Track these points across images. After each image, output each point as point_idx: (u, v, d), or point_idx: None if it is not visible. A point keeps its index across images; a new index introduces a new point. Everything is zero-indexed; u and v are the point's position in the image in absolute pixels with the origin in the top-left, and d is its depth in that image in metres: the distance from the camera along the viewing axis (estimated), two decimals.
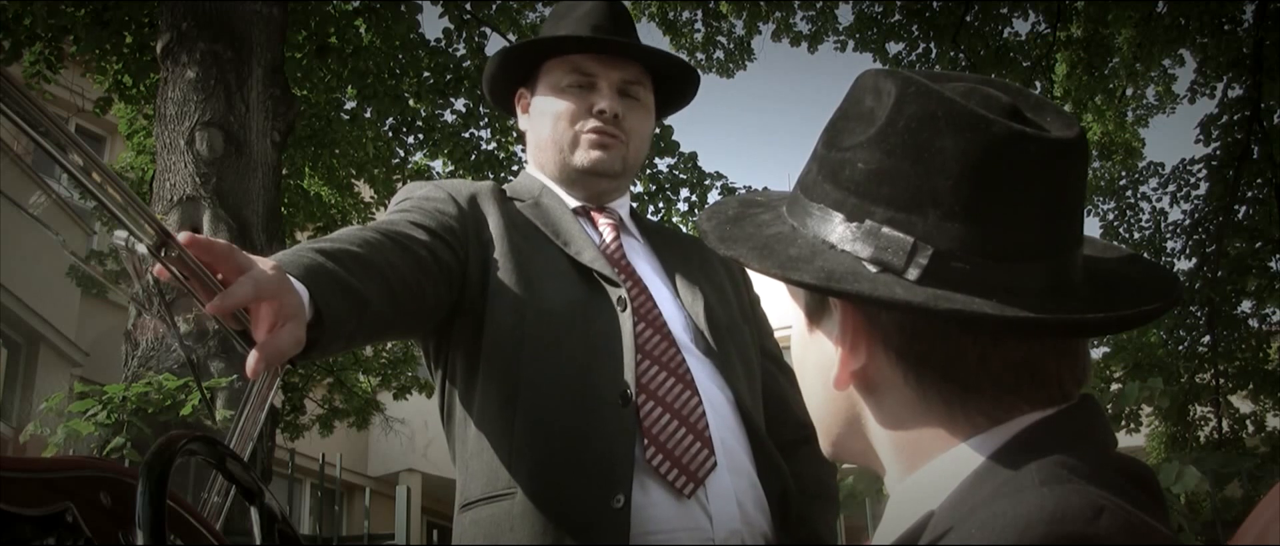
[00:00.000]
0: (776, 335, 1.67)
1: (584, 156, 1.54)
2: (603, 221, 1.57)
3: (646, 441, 1.34)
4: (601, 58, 1.55)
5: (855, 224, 0.69)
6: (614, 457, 1.31)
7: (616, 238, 1.55)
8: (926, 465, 0.69)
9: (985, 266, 0.66)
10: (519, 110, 1.65)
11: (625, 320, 1.41)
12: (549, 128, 1.56)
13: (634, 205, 1.70)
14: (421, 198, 1.49)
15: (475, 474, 1.38)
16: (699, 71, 1.65)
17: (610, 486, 1.29)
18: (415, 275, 1.31)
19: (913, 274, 0.66)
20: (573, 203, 1.57)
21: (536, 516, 1.30)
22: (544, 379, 1.37)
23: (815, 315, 0.76)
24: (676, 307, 1.51)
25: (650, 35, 11.99)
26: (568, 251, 1.48)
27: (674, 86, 1.66)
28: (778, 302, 1.22)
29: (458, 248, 1.42)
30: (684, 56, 9.07)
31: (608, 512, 1.28)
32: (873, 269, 0.68)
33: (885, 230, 0.68)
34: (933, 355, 0.68)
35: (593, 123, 1.54)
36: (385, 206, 9.78)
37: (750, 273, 1.70)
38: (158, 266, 0.97)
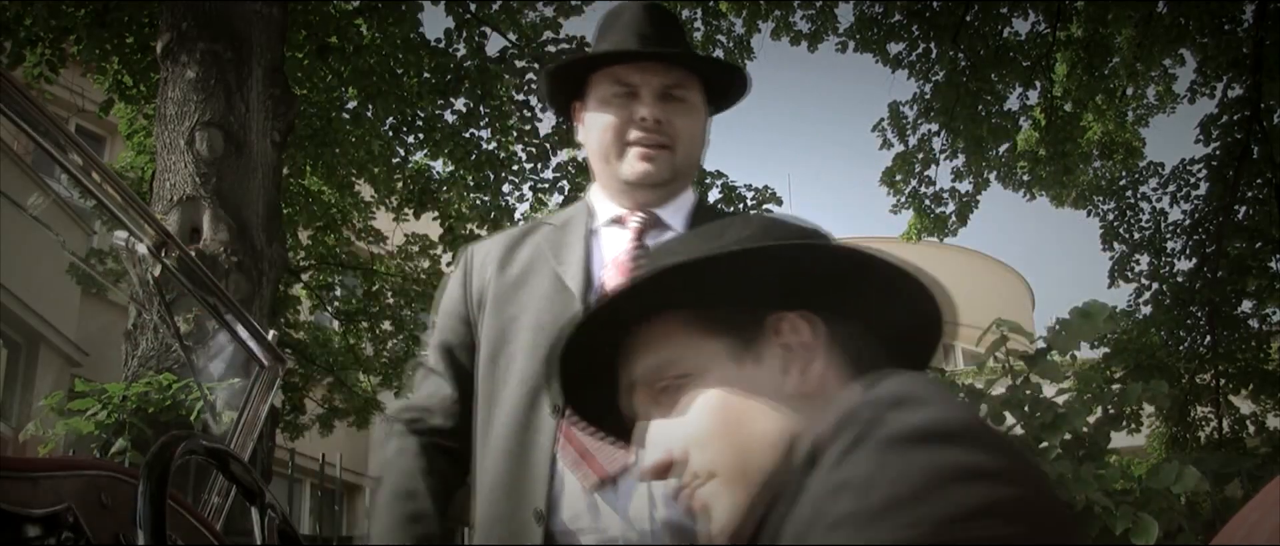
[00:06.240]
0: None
1: (630, 169, 1.55)
2: (631, 222, 1.57)
3: (564, 440, 1.39)
4: (642, 65, 1.54)
5: None
6: (535, 469, 1.40)
7: (637, 244, 1.55)
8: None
9: None
10: (577, 125, 1.65)
11: None
12: (597, 141, 1.57)
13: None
14: (444, 313, 1.61)
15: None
16: (742, 66, 1.66)
17: (530, 498, 1.39)
18: (452, 468, 1.54)
19: None
20: (616, 210, 1.58)
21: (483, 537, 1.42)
22: (503, 397, 1.46)
23: (744, 346, 0.87)
24: None
25: None
26: (558, 271, 1.53)
27: (721, 85, 1.64)
28: None
29: (470, 365, 1.55)
30: None
31: (528, 527, 1.38)
32: None
33: None
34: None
35: (637, 133, 1.54)
36: (386, 206, 9.80)
37: None
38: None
